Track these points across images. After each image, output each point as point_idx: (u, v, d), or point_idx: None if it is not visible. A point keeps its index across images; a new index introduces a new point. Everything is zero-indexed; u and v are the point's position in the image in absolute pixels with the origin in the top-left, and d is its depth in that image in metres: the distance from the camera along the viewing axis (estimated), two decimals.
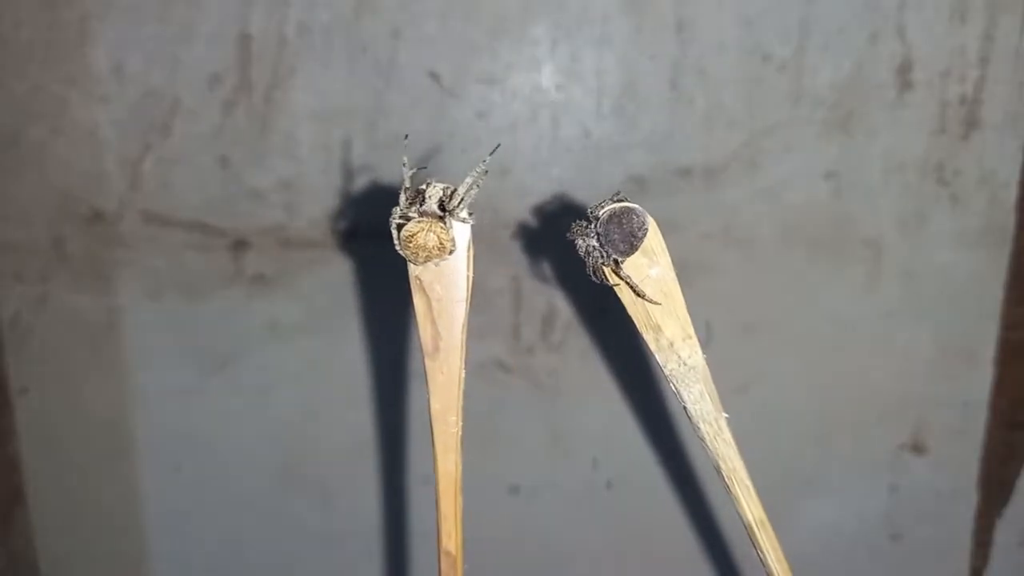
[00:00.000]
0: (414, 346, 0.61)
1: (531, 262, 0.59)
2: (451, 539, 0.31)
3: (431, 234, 0.26)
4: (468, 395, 0.61)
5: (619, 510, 0.65)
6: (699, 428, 0.30)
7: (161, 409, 0.64)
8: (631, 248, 0.27)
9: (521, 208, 0.58)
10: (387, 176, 0.57)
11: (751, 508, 0.31)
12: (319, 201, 0.58)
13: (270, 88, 0.56)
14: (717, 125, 0.56)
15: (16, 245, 0.60)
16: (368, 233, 0.58)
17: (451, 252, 0.26)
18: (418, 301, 0.28)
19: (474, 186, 0.26)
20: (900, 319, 0.60)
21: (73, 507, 0.66)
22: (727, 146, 0.57)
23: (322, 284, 0.60)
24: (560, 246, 0.62)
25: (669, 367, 0.29)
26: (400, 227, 0.26)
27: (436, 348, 0.28)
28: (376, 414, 0.63)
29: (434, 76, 0.56)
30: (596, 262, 0.28)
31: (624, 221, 0.27)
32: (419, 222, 0.26)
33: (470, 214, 0.26)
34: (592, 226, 0.27)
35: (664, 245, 0.28)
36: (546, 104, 0.57)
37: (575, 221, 0.28)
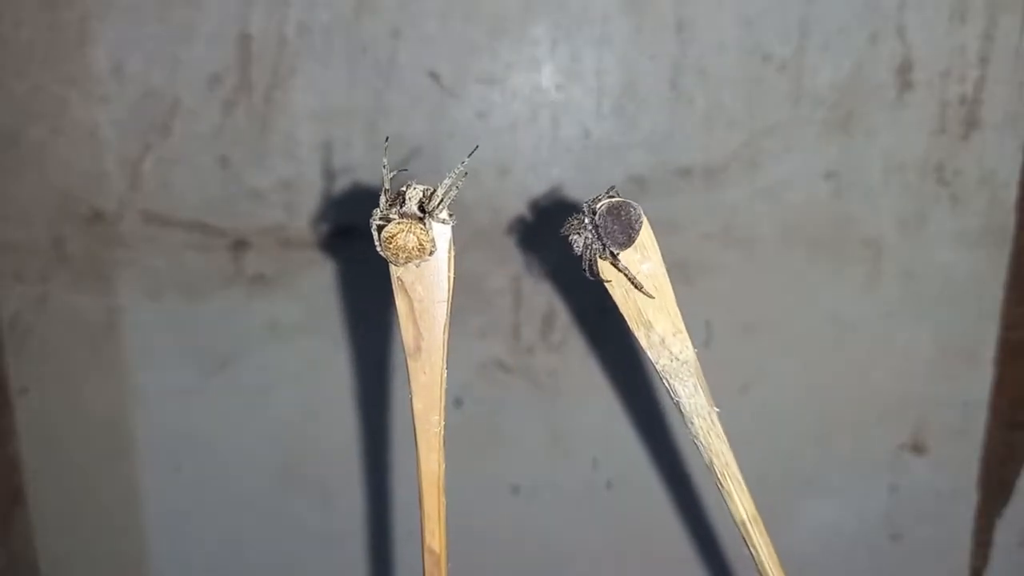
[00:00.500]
0: None
1: (531, 262, 0.59)
2: (435, 537, 0.31)
3: (411, 235, 0.26)
4: (469, 395, 0.62)
5: (619, 510, 0.65)
6: (692, 423, 0.30)
7: (161, 409, 0.64)
8: (629, 240, 0.28)
9: (521, 208, 0.58)
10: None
11: (743, 504, 0.32)
12: (319, 201, 0.58)
13: (270, 88, 0.56)
14: (717, 125, 0.56)
15: (16, 245, 0.60)
16: (368, 233, 0.58)
17: (431, 253, 0.27)
18: (400, 302, 0.28)
19: (453, 187, 0.26)
20: (900, 319, 0.60)
21: (73, 507, 0.66)
22: (727, 146, 0.57)
23: (322, 284, 0.60)
24: (560, 246, 0.62)
25: (661, 363, 0.29)
26: (380, 228, 0.26)
27: (418, 348, 0.29)
28: (376, 414, 0.63)
29: (434, 76, 0.56)
30: (594, 255, 0.28)
31: (622, 213, 0.27)
32: (399, 223, 0.26)
33: (450, 215, 0.27)
34: (588, 220, 0.27)
35: (655, 240, 0.28)
36: (546, 104, 0.57)
37: (568, 217, 0.28)
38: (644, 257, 0.28)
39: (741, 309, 0.60)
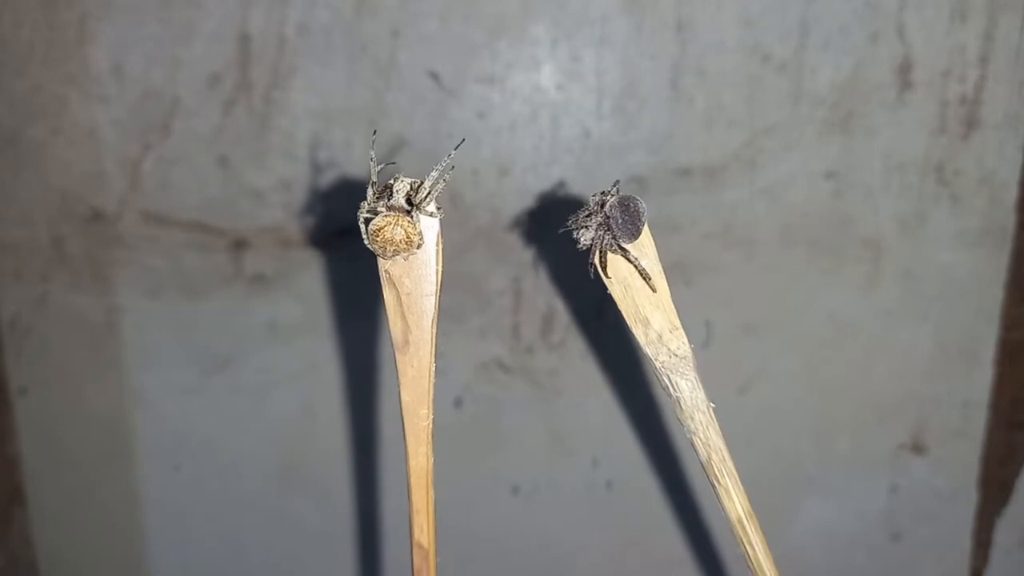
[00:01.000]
0: None
1: (531, 262, 0.59)
2: (423, 532, 0.32)
3: (398, 228, 0.26)
4: (468, 395, 0.62)
5: (619, 510, 0.65)
6: (692, 418, 0.31)
7: (161, 409, 0.64)
8: (637, 232, 0.28)
9: (521, 208, 0.58)
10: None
11: (739, 502, 0.32)
12: (319, 201, 0.58)
13: (270, 88, 0.56)
14: (717, 125, 0.56)
15: (16, 245, 0.60)
16: None
17: (419, 246, 0.27)
18: (388, 295, 0.28)
19: (440, 180, 0.26)
20: (900, 319, 0.60)
21: (73, 507, 0.66)
22: (727, 146, 0.57)
23: (322, 284, 0.60)
24: (560, 246, 0.62)
25: (660, 359, 0.30)
26: (368, 221, 0.27)
27: (406, 342, 0.29)
28: (376, 414, 0.63)
29: (434, 76, 0.56)
30: (605, 248, 0.28)
31: (630, 206, 0.28)
32: (386, 216, 0.26)
33: (438, 208, 0.27)
34: (596, 214, 0.28)
35: (651, 237, 0.29)
36: (546, 104, 0.57)
37: (573, 214, 0.28)
38: (642, 254, 0.29)
39: (741, 309, 0.60)
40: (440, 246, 0.27)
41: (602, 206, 0.28)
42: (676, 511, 0.65)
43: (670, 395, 0.30)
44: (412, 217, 0.26)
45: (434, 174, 0.26)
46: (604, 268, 0.29)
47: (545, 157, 0.57)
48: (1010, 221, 0.58)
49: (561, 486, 0.65)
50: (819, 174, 0.57)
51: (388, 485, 0.65)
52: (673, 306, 0.30)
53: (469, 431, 0.63)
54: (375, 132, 0.32)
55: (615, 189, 0.28)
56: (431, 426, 0.30)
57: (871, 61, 0.55)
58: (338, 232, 0.59)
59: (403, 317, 0.28)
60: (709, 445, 0.31)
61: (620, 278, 0.29)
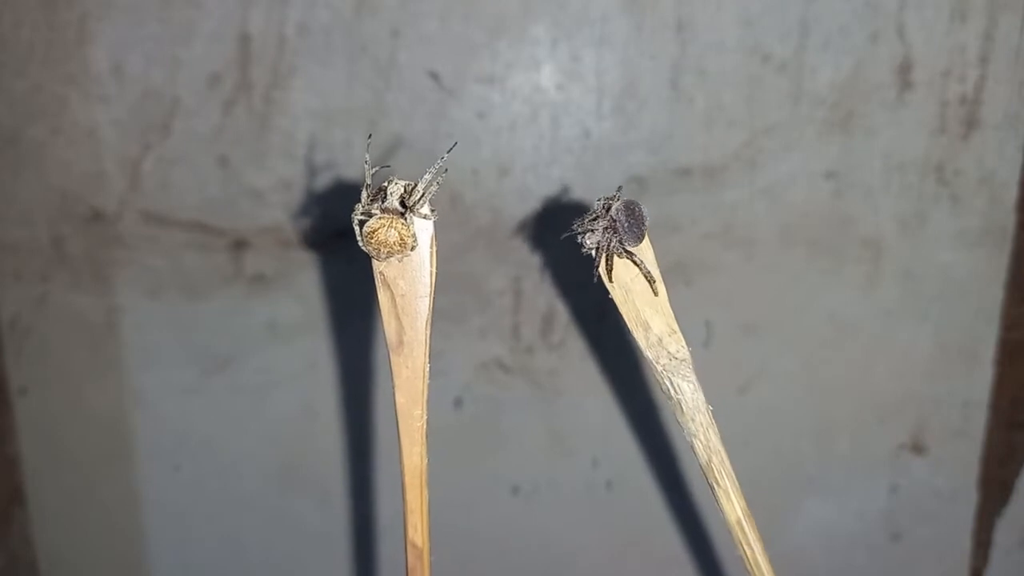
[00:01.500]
0: None
1: (531, 262, 0.59)
2: (417, 532, 0.32)
3: (392, 230, 0.27)
4: (469, 395, 0.62)
5: (619, 510, 0.65)
6: (693, 420, 0.31)
7: (161, 409, 0.64)
8: (641, 235, 0.28)
9: (521, 208, 0.58)
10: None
11: (738, 503, 0.32)
12: (319, 201, 0.58)
13: (270, 88, 0.56)
14: (717, 125, 0.56)
15: (16, 245, 0.60)
16: None
17: (413, 248, 0.27)
18: (382, 297, 0.28)
19: (434, 183, 0.27)
20: (900, 319, 0.60)
21: (73, 507, 0.66)
22: (727, 146, 0.57)
23: (322, 284, 0.60)
24: (560, 246, 0.62)
25: (661, 362, 0.30)
26: (362, 223, 0.27)
27: (400, 343, 0.29)
28: (376, 414, 0.63)
29: (434, 76, 0.56)
30: (611, 251, 0.28)
31: (634, 210, 0.28)
32: (380, 218, 0.26)
33: (432, 210, 0.27)
34: (602, 218, 0.28)
35: (650, 241, 0.29)
36: (546, 104, 0.57)
37: (576, 219, 0.29)
38: (641, 257, 0.29)
39: (741, 309, 0.60)
40: (434, 248, 0.28)
41: (608, 210, 0.28)
42: (676, 511, 0.65)
43: (671, 398, 0.31)
44: (406, 219, 0.27)
45: (428, 176, 0.26)
46: (610, 272, 0.29)
47: (545, 157, 0.57)
48: (1010, 221, 0.58)
49: (561, 486, 0.65)
50: (819, 174, 0.57)
51: (388, 485, 0.65)
52: (671, 310, 0.30)
53: (469, 431, 0.63)
54: (370, 135, 0.32)
55: (619, 193, 0.28)
56: (425, 426, 0.30)
57: (871, 61, 0.55)
58: (338, 232, 0.59)
59: (397, 318, 0.29)
60: (709, 447, 0.31)
61: (621, 283, 0.29)
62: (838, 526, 0.65)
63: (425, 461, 0.31)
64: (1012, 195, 0.57)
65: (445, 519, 0.66)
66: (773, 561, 0.34)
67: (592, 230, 0.28)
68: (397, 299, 0.28)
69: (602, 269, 0.29)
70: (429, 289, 0.28)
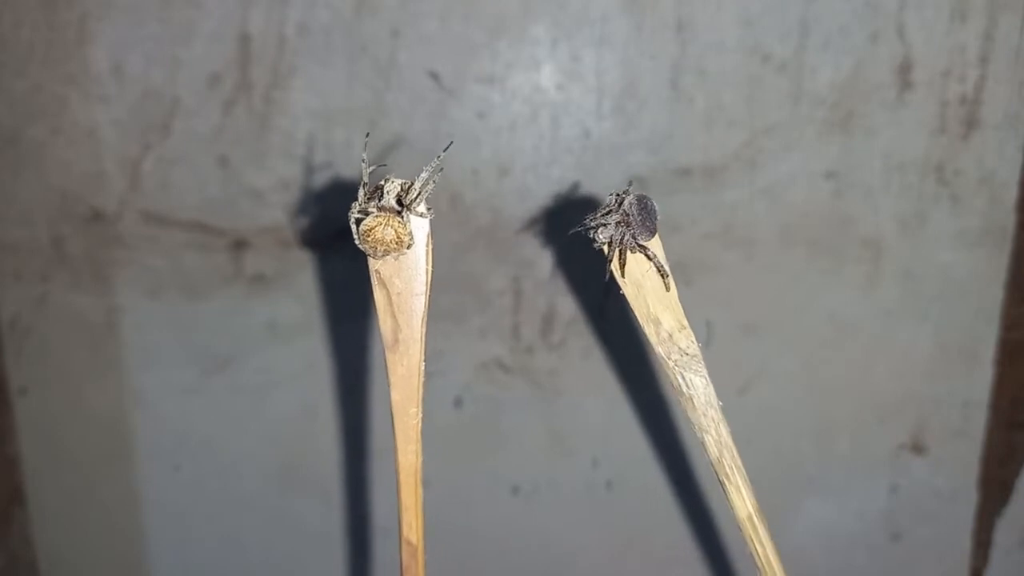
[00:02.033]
0: None
1: (531, 262, 0.59)
2: (412, 529, 0.32)
3: (388, 228, 0.27)
4: (469, 395, 0.62)
5: (619, 510, 0.65)
6: (706, 415, 0.31)
7: (161, 409, 0.64)
8: (654, 230, 0.29)
9: (521, 208, 0.58)
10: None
11: (749, 499, 0.32)
12: (319, 201, 0.58)
13: (270, 88, 0.56)
14: (717, 125, 0.56)
15: (16, 245, 0.60)
16: None
17: (409, 246, 0.27)
18: (378, 294, 0.29)
19: (430, 181, 0.27)
20: (900, 319, 0.60)
21: (73, 507, 0.66)
22: (727, 146, 0.57)
23: (322, 284, 0.60)
24: (560, 246, 0.62)
25: (673, 358, 0.30)
26: (359, 221, 0.27)
27: (396, 341, 0.29)
28: (376, 413, 0.63)
29: (434, 76, 0.56)
30: (625, 246, 0.28)
31: (647, 204, 0.28)
32: (377, 216, 0.27)
33: (428, 209, 0.27)
34: (615, 212, 0.28)
35: (659, 237, 0.29)
36: (546, 104, 0.57)
37: (588, 214, 0.29)
38: (653, 251, 0.29)
39: (741, 309, 0.60)
40: (430, 246, 0.28)
41: (620, 204, 0.28)
42: (676, 511, 0.65)
43: (682, 393, 0.31)
44: (402, 217, 0.27)
45: (424, 175, 0.27)
46: (623, 267, 0.29)
47: (545, 157, 0.57)
48: (1010, 221, 0.58)
49: (561, 486, 0.65)
50: (819, 174, 0.57)
51: (388, 485, 0.65)
52: (680, 305, 0.30)
53: (469, 431, 0.63)
54: (368, 134, 0.32)
55: (631, 188, 0.29)
56: (420, 424, 0.31)
57: (871, 61, 0.55)
58: (338, 232, 0.59)
59: (393, 316, 0.29)
60: (721, 442, 0.31)
61: (633, 279, 0.29)
62: (838, 526, 0.65)
63: (420, 459, 0.31)
64: (1012, 195, 0.57)
65: (445, 519, 0.66)
66: (784, 565, 0.33)
67: (605, 224, 0.28)
68: (393, 297, 0.28)
69: (615, 264, 0.29)
70: (425, 287, 0.28)
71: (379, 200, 0.27)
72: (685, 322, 0.30)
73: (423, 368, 0.30)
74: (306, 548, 0.67)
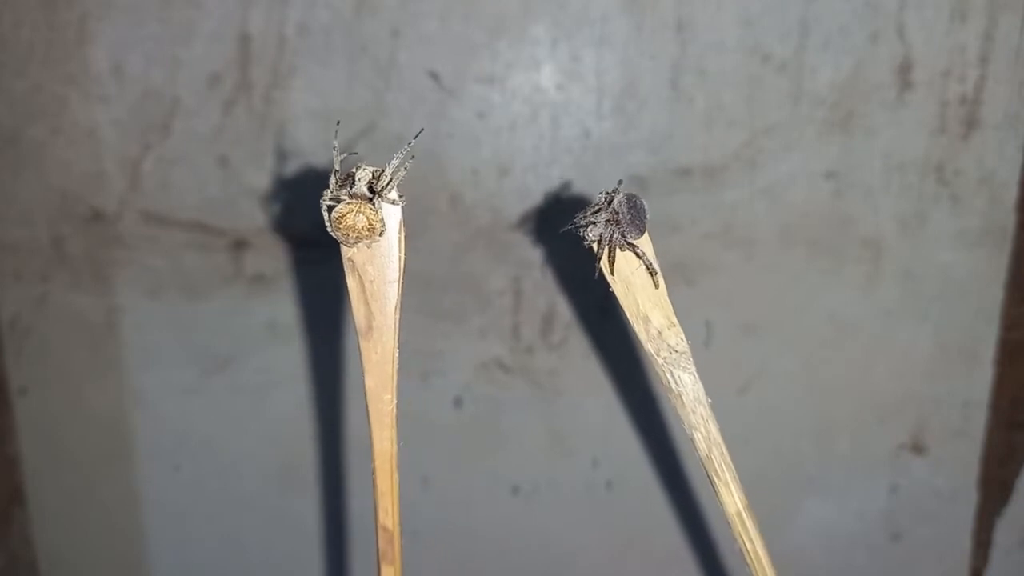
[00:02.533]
0: (414, 346, 0.61)
1: (531, 262, 0.59)
2: (388, 515, 0.32)
3: (360, 215, 0.27)
4: (468, 395, 0.61)
5: (619, 510, 0.65)
6: (695, 412, 0.31)
7: (161, 409, 0.64)
8: (643, 227, 0.29)
9: (521, 208, 0.58)
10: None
11: (738, 495, 0.32)
12: (319, 201, 0.58)
13: (270, 88, 0.56)
14: (717, 125, 0.56)
15: (16, 245, 0.60)
16: None
17: (381, 233, 0.27)
18: (351, 282, 0.29)
19: (401, 168, 0.27)
20: (900, 319, 0.60)
21: (73, 507, 0.66)
22: (727, 146, 0.57)
23: (322, 284, 0.60)
24: (560, 246, 0.62)
25: (662, 355, 0.30)
26: (330, 209, 0.27)
27: (369, 328, 0.29)
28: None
29: (434, 76, 0.56)
30: (614, 244, 0.28)
31: (636, 203, 0.29)
32: (349, 204, 0.27)
33: (400, 196, 0.27)
34: (604, 210, 0.28)
35: (649, 235, 0.29)
36: (546, 104, 0.57)
37: (578, 212, 0.29)
38: (642, 249, 0.30)
39: (741, 309, 0.60)
40: (402, 233, 0.28)
41: (610, 202, 0.28)
42: (676, 511, 0.65)
43: (671, 390, 0.31)
44: (374, 204, 0.27)
45: (395, 162, 0.27)
46: (612, 265, 0.29)
47: (545, 157, 0.57)
48: (1010, 221, 0.58)
49: (561, 486, 0.65)
50: (819, 174, 0.57)
51: None
52: (670, 303, 0.30)
53: (469, 431, 0.63)
54: (338, 122, 0.33)
55: (620, 187, 0.29)
56: (395, 411, 0.31)
57: (871, 61, 0.55)
58: None
59: (366, 304, 0.29)
60: (710, 439, 0.32)
61: (622, 277, 0.30)
62: (838, 526, 0.65)
63: (395, 445, 0.32)
64: (1012, 195, 0.57)
65: (446, 518, 0.66)
66: (773, 561, 0.34)
67: (594, 223, 0.29)
68: (366, 285, 0.29)
69: (604, 262, 0.29)
70: (398, 274, 0.28)
71: (351, 187, 0.27)
72: (674, 319, 0.30)
73: (397, 355, 0.30)
74: (306, 548, 0.67)
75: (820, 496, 0.64)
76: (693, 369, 0.31)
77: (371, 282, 0.29)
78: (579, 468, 0.64)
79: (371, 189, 0.27)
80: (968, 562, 0.66)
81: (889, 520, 0.65)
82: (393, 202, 0.27)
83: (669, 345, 0.30)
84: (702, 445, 0.32)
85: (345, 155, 0.28)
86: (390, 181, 0.27)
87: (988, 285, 0.59)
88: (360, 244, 0.28)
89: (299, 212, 0.59)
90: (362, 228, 0.27)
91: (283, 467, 0.65)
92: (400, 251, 0.28)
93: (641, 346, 0.31)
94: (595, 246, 0.29)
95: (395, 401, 0.31)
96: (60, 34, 0.56)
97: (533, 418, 0.63)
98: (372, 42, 0.56)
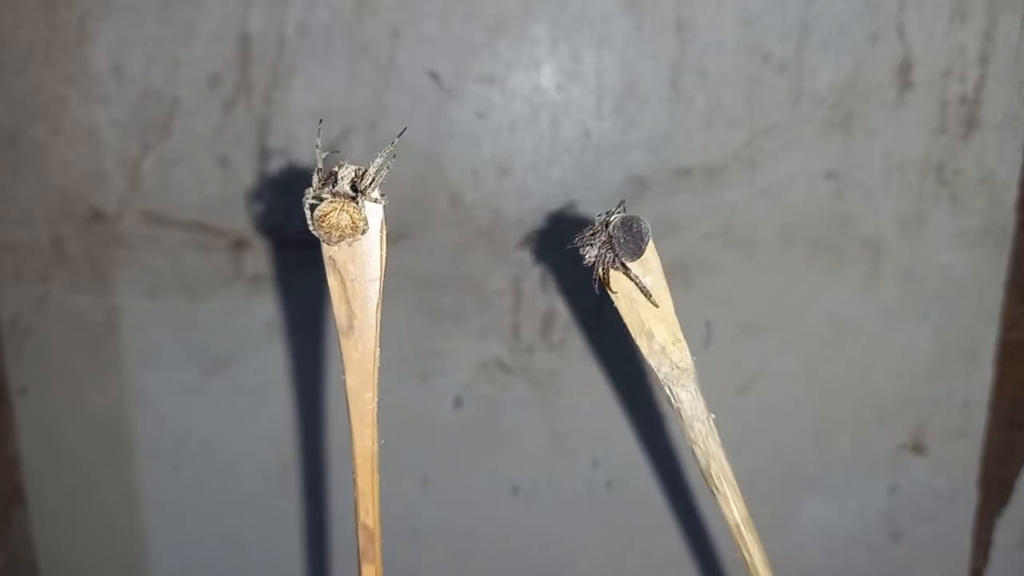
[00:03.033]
0: (414, 346, 0.61)
1: (531, 262, 0.59)
2: (368, 514, 0.32)
3: (343, 214, 0.27)
4: (468, 395, 0.61)
5: (619, 510, 0.65)
6: (692, 428, 0.31)
7: (161, 409, 0.64)
8: (639, 251, 0.29)
9: (521, 208, 0.58)
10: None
11: (737, 508, 0.32)
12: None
13: (270, 88, 0.56)
14: (717, 125, 0.56)
15: (16, 245, 0.60)
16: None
17: (363, 232, 0.27)
18: (332, 281, 0.29)
19: (384, 167, 0.27)
20: (900, 319, 0.60)
21: (73, 507, 0.66)
22: (727, 146, 0.57)
23: (322, 284, 0.60)
24: (560, 247, 0.62)
25: (663, 371, 0.31)
26: (313, 207, 0.27)
27: (351, 327, 0.29)
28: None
29: (434, 76, 0.56)
30: (608, 265, 0.29)
31: (633, 226, 0.29)
32: (331, 202, 0.27)
33: (382, 195, 0.27)
34: (601, 233, 0.29)
35: (656, 254, 0.29)
36: (546, 104, 0.57)
37: (579, 231, 0.29)
38: (647, 269, 0.30)
39: (741, 309, 0.60)
40: (384, 232, 0.28)
41: (606, 226, 0.28)
42: (676, 511, 0.65)
43: (671, 405, 0.31)
44: (357, 203, 0.27)
45: (378, 160, 0.27)
46: (607, 284, 0.29)
47: (545, 157, 0.57)
48: (1010, 221, 0.58)
49: (561, 486, 0.65)
50: (819, 174, 0.57)
51: (387, 485, 0.65)
52: (676, 319, 0.30)
53: (469, 431, 0.63)
54: (321, 120, 0.33)
55: (620, 208, 0.29)
56: (376, 409, 0.31)
57: (871, 61, 0.55)
58: None
59: (347, 302, 0.29)
60: (708, 454, 0.32)
61: (625, 292, 0.30)
62: (838, 526, 0.65)
63: (376, 444, 0.32)
64: (1012, 195, 0.57)
65: (446, 518, 0.66)
66: (773, 561, 0.34)
67: (591, 244, 0.29)
68: (347, 283, 0.29)
69: (600, 281, 0.29)
70: (379, 273, 0.28)
71: (333, 186, 0.27)
72: (680, 336, 0.31)
73: (378, 354, 0.30)
74: (306, 548, 0.67)
75: (820, 496, 0.64)
76: (693, 387, 0.31)
77: (352, 281, 0.29)
78: (579, 468, 0.64)
79: (354, 188, 0.27)
80: (968, 562, 0.66)
81: (889, 520, 0.65)
82: (376, 201, 0.27)
83: (672, 361, 0.30)
84: (701, 459, 0.32)
85: (328, 153, 0.28)
86: (373, 180, 0.27)
87: (988, 285, 0.59)
88: (342, 243, 0.28)
89: (299, 212, 0.59)
90: (345, 226, 0.27)
91: (283, 467, 0.65)
92: (381, 250, 0.28)
93: (645, 359, 0.31)
94: (592, 266, 0.29)
95: (376, 400, 0.31)
96: (60, 34, 0.56)
97: (533, 418, 0.63)
98: (372, 42, 0.56)
